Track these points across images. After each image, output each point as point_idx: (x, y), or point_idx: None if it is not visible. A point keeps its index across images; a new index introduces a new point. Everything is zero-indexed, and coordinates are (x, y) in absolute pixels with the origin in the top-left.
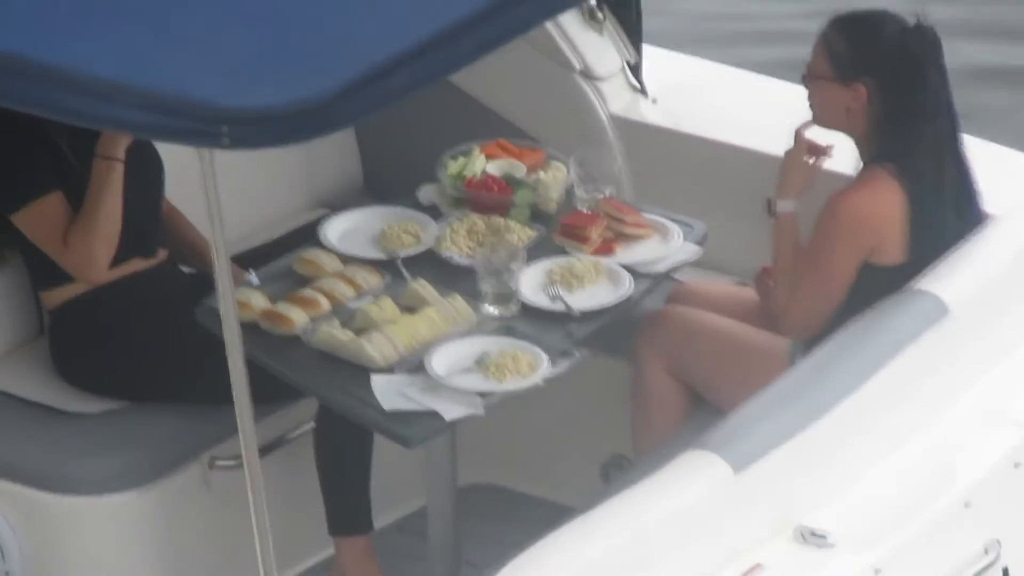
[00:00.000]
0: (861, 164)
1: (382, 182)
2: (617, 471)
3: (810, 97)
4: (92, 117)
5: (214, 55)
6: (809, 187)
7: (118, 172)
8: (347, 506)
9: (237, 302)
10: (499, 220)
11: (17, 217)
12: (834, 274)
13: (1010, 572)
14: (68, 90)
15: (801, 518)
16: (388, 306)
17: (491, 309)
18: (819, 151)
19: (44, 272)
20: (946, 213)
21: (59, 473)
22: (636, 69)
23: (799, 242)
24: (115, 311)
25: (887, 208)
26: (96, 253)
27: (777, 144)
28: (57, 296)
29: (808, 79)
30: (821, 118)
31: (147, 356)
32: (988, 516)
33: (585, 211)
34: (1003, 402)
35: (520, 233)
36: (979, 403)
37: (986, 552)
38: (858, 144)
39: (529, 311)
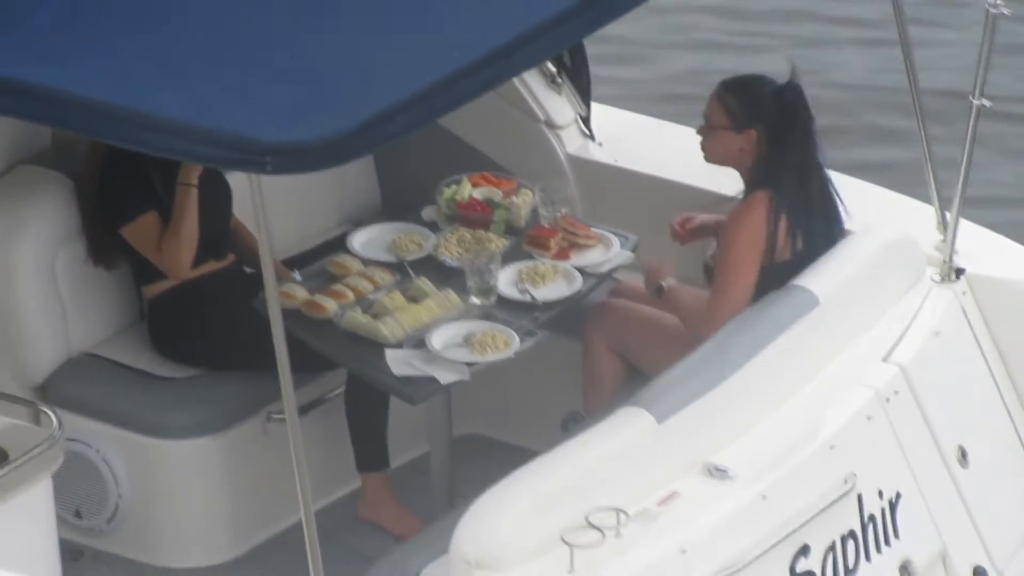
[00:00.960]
0: (743, 192)
1: (395, 204)
2: (573, 424)
3: (705, 143)
4: (170, 150)
5: (260, 103)
6: (670, 271)
7: (193, 195)
8: (370, 450)
9: (284, 294)
10: (481, 232)
11: (124, 231)
12: (746, 278)
13: (863, 498)
14: (152, 130)
15: (708, 457)
16: (398, 297)
17: (475, 300)
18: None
19: (144, 271)
20: (815, 224)
21: (156, 422)
22: (586, 120)
23: (689, 294)
24: (196, 301)
25: (770, 222)
26: (181, 257)
27: (690, 176)
28: (154, 289)
29: (706, 130)
30: (715, 158)
31: (220, 334)
32: (847, 455)
33: (547, 226)
34: (859, 370)
35: (497, 242)
36: (841, 370)
37: (845, 482)
38: (743, 176)
39: (504, 301)
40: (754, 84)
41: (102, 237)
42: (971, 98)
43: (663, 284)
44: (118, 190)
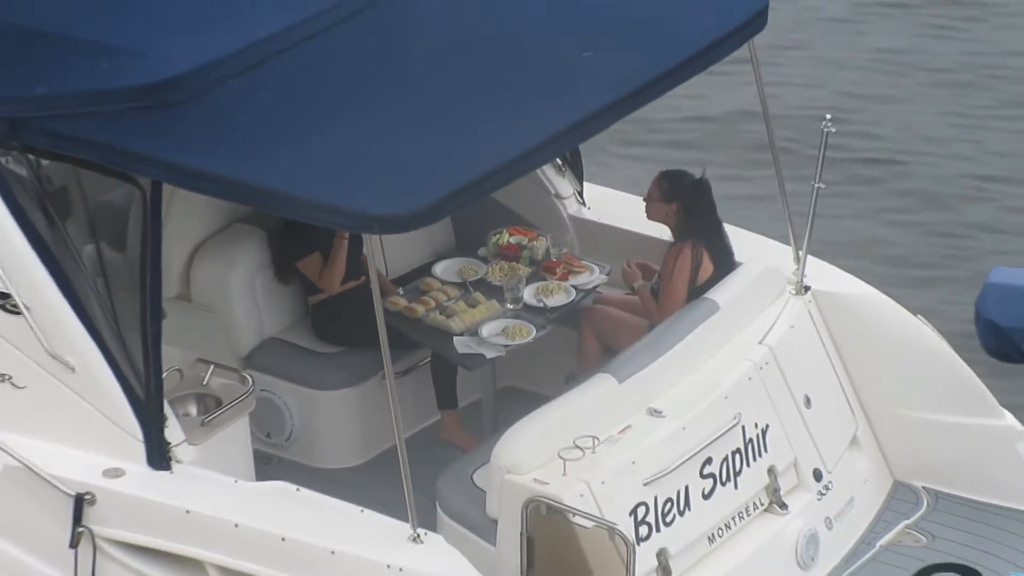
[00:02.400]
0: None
1: (463, 245)
2: (571, 380)
3: (647, 208)
4: (317, 220)
5: (370, 189)
6: (638, 277)
7: (344, 244)
8: (446, 396)
9: (391, 302)
10: (514, 264)
11: (299, 264)
12: (678, 295)
13: (745, 428)
14: (305, 207)
15: (650, 403)
16: (462, 304)
17: (509, 306)
18: (633, 267)
19: (309, 288)
20: (722, 259)
21: (315, 380)
22: (581, 193)
23: (650, 293)
24: (340, 305)
25: (693, 258)
26: (335, 280)
27: (643, 228)
28: (315, 299)
29: (647, 200)
30: (653, 218)
31: (355, 326)
32: (736, 402)
33: (554, 260)
34: (744, 349)
35: (524, 270)
36: (733, 350)
37: (734, 419)
38: (672, 231)
39: (527, 307)
40: (679, 175)
41: (284, 267)
42: (813, 183)
43: (635, 285)
44: (294, 238)
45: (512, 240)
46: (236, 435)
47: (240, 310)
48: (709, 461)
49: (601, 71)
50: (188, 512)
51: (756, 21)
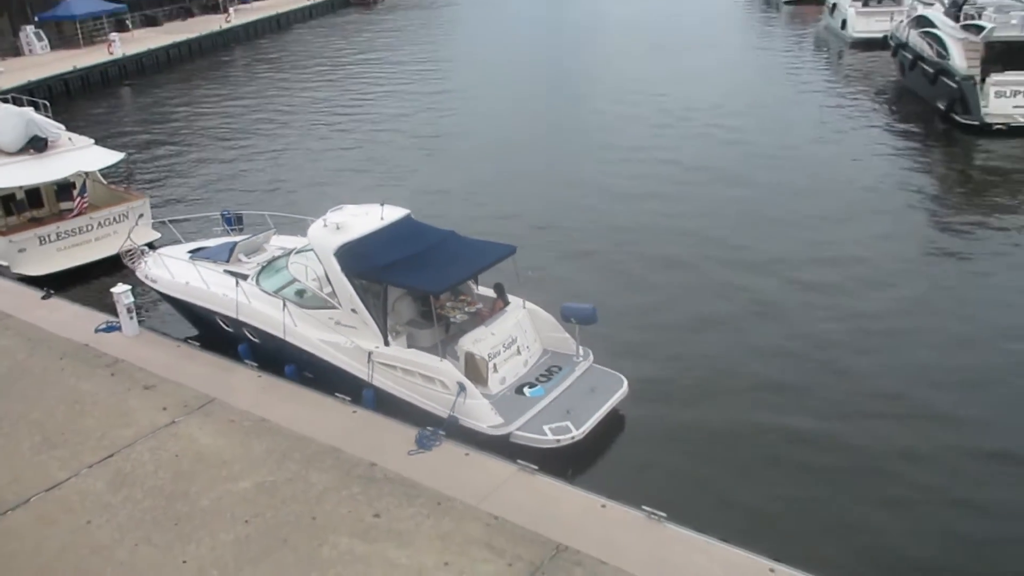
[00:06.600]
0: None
1: (452, 296)
2: (472, 330)
3: (494, 289)
4: (415, 292)
5: (430, 283)
6: (491, 301)
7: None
8: (446, 330)
9: (438, 309)
10: (461, 301)
11: (433, 300)
12: (500, 309)
13: (512, 337)
14: (412, 289)
15: (492, 332)
16: (453, 310)
17: (460, 312)
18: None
19: (428, 305)
20: (505, 301)
21: (420, 326)
22: (476, 285)
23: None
24: (429, 311)
25: (499, 300)
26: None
27: (489, 294)
28: (422, 309)
29: (495, 288)
30: (493, 292)
31: (431, 316)
32: (512, 332)
33: (471, 301)
34: (514, 320)
35: (464, 303)
36: (512, 320)
37: (511, 336)
38: (498, 295)
39: (464, 312)
40: (497, 284)
41: (426, 303)
42: (526, 276)
43: (492, 299)
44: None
45: (462, 297)
46: (403, 340)
47: (405, 313)
48: (505, 342)
49: (470, 261)
50: (393, 355)
51: (511, 253)
